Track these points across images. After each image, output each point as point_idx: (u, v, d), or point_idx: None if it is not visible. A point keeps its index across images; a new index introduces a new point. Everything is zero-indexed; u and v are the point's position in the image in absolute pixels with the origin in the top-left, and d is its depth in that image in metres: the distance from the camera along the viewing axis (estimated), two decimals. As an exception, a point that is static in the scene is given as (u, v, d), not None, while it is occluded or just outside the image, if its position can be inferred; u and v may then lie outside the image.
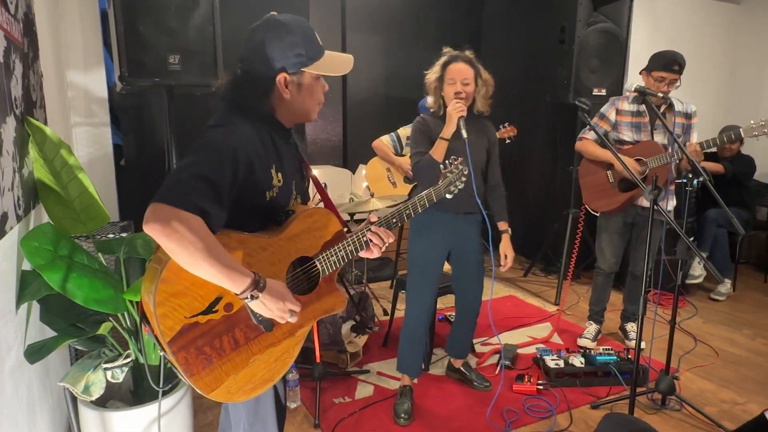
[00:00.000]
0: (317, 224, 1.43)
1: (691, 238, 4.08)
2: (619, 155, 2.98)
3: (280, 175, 1.38)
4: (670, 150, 2.89)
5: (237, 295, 1.21)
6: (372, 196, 3.72)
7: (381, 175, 3.97)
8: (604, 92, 3.99)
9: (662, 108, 2.94)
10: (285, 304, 1.26)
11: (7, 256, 1.60)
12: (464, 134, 2.24)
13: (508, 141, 3.54)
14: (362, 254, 1.51)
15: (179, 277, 1.18)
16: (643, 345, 3.13)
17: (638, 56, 4.56)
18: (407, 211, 1.55)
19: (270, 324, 1.31)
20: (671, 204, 3.09)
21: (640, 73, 3.00)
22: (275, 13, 1.38)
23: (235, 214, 1.27)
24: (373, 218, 1.53)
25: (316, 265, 1.42)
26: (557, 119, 4.46)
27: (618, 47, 4.03)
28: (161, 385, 1.78)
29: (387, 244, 1.51)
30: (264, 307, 1.24)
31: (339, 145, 5.08)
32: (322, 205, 1.57)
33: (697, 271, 4.20)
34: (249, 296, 1.20)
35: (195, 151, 1.23)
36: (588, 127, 3.13)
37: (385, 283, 4.42)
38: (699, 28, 5.07)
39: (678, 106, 2.96)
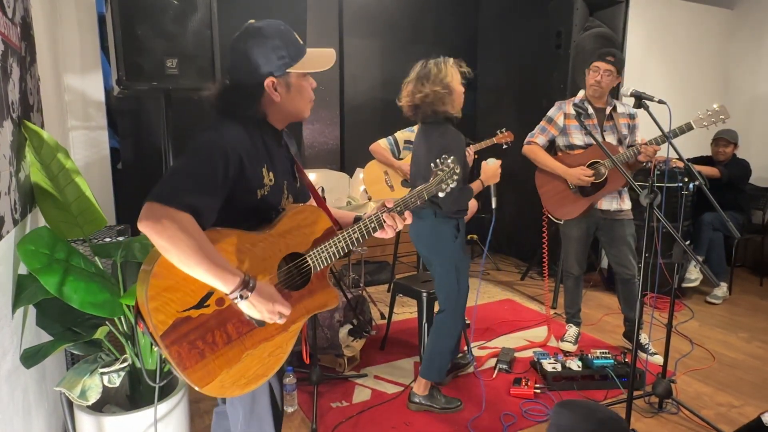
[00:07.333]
0: (307, 221, 1.45)
1: (687, 242, 4.09)
2: (564, 162, 3.04)
3: (271, 174, 1.41)
4: (623, 148, 2.96)
5: (226, 294, 1.23)
6: (369, 199, 3.72)
7: (378, 178, 3.98)
8: (600, 96, 4.00)
9: (608, 110, 3.03)
10: (274, 306, 1.27)
11: (4, 260, 1.60)
12: (494, 204, 2.42)
13: (505, 147, 3.56)
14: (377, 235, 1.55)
15: (170, 272, 1.19)
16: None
17: (634, 61, 4.60)
18: (398, 209, 1.56)
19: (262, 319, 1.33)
20: (627, 204, 3.08)
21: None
22: (253, 21, 1.40)
23: (227, 211, 1.29)
24: (389, 203, 1.55)
25: (307, 261, 1.44)
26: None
27: (614, 52, 4.05)
28: (157, 382, 1.77)
29: (399, 229, 1.55)
30: (253, 308, 1.25)
31: (336, 149, 5.08)
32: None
33: (694, 274, 4.22)
34: (238, 296, 1.22)
35: (187, 153, 1.28)
36: (537, 129, 3.19)
37: (383, 287, 4.42)
38: (693, 32, 5.10)
39: (621, 108, 3.08)
